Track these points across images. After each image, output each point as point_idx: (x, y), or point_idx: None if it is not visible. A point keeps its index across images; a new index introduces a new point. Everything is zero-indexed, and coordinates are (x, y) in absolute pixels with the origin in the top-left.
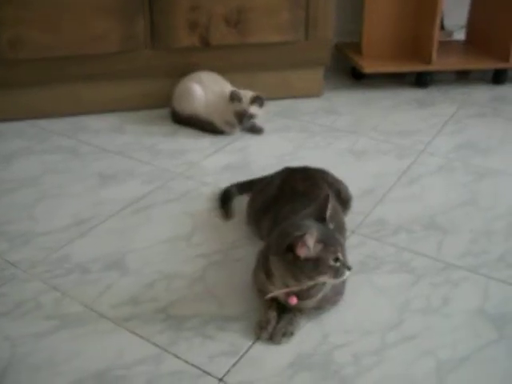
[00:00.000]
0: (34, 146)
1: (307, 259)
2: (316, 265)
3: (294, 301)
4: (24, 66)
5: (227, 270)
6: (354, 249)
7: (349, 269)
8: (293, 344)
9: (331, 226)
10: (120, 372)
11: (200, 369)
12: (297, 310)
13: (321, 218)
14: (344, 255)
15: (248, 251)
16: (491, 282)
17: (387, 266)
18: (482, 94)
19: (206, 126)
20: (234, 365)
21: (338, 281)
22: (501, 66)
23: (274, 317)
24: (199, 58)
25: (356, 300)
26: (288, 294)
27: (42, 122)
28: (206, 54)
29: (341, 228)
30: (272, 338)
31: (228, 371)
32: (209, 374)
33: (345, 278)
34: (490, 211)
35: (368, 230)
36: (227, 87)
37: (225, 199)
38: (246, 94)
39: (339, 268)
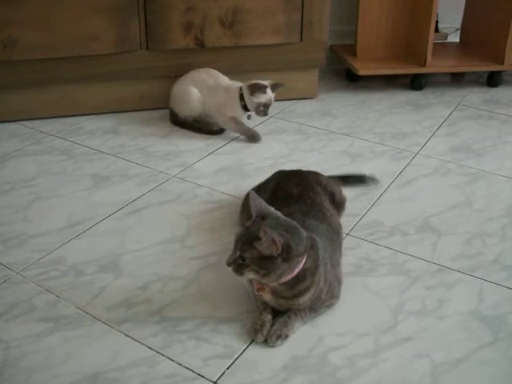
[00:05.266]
0: (28, 147)
1: None
2: None
3: (259, 291)
4: (18, 67)
5: (221, 272)
6: (349, 251)
7: (227, 264)
8: (287, 346)
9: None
10: (114, 375)
11: (194, 372)
12: (291, 313)
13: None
14: (233, 250)
15: None
16: (486, 284)
17: (382, 269)
18: (477, 96)
19: (203, 128)
20: (228, 367)
21: None
22: (495, 68)
23: (269, 319)
24: (194, 60)
25: (350, 302)
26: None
27: (37, 123)
28: (201, 56)
29: (336, 231)
30: (267, 341)
31: (222, 374)
32: (203, 376)
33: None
34: (485, 213)
35: (363, 232)
36: (226, 82)
37: None
38: (265, 84)
39: None
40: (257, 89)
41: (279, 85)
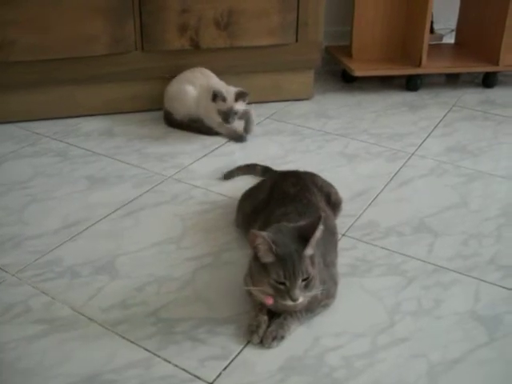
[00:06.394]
0: (23, 148)
1: (260, 264)
2: (261, 274)
3: (269, 301)
4: (14, 68)
5: (217, 273)
6: (345, 252)
7: (293, 300)
8: (283, 347)
9: (310, 251)
10: (110, 376)
11: (190, 373)
12: (287, 314)
13: (303, 239)
14: (294, 285)
15: (238, 254)
16: (482, 285)
17: (378, 269)
18: (472, 97)
19: (201, 128)
20: (224, 369)
21: (281, 301)
22: (491, 69)
23: (265, 320)
24: (189, 61)
25: (347, 303)
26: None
27: (32, 125)
28: (197, 57)
29: (332, 232)
30: (263, 342)
31: (219, 375)
32: (199, 378)
33: (288, 304)
34: (480, 213)
35: (359, 232)
36: (216, 84)
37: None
38: (229, 91)
39: (282, 292)
40: (216, 96)
41: (244, 93)
